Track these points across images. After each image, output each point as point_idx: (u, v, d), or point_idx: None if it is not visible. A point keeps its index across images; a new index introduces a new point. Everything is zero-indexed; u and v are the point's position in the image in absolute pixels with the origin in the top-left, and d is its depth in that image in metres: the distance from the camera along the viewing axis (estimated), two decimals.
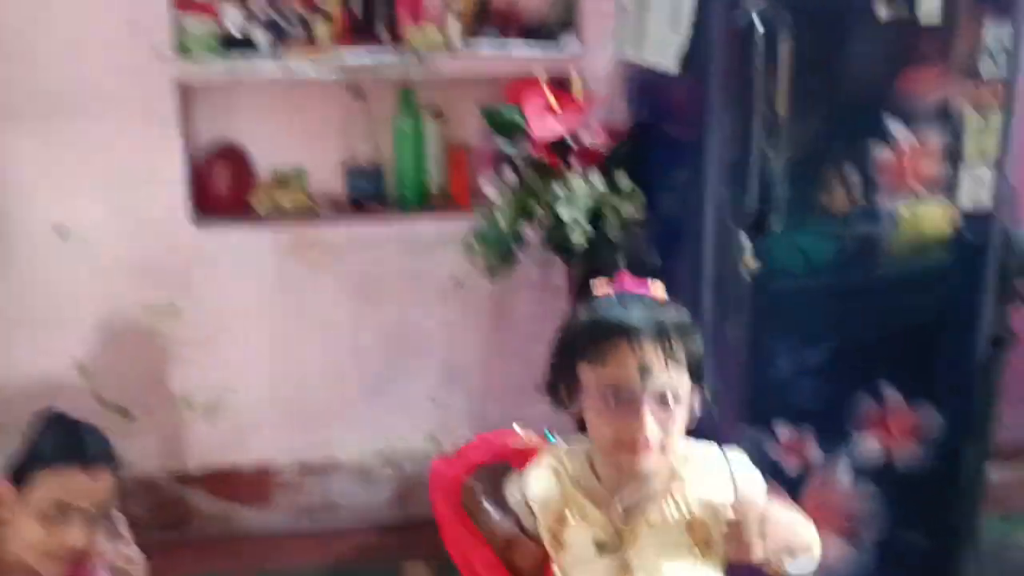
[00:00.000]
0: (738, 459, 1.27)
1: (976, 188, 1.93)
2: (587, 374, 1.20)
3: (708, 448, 1.27)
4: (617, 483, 1.22)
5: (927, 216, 1.93)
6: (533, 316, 2.72)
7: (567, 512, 1.24)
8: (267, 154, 2.72)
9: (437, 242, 2.64)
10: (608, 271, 2.37)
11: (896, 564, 2.06)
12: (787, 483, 1.97)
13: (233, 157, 2.71)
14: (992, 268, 1.99)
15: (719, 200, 1.85)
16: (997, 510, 2.79)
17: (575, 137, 2.21)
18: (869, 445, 1.98)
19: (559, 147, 2.23)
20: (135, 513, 2.76)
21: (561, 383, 1.25)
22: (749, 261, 1.85)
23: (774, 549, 1.19)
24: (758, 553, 1.19)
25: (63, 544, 1.68)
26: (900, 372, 1.97)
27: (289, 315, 2.68)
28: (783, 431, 1.95)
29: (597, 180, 2.19)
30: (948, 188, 1.90)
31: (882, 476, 2.00)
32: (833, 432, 1.97)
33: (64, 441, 1.71)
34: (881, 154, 1.87)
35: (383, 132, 2.69)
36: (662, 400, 1.16)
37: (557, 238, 2.19)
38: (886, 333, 1.96)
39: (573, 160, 2.23)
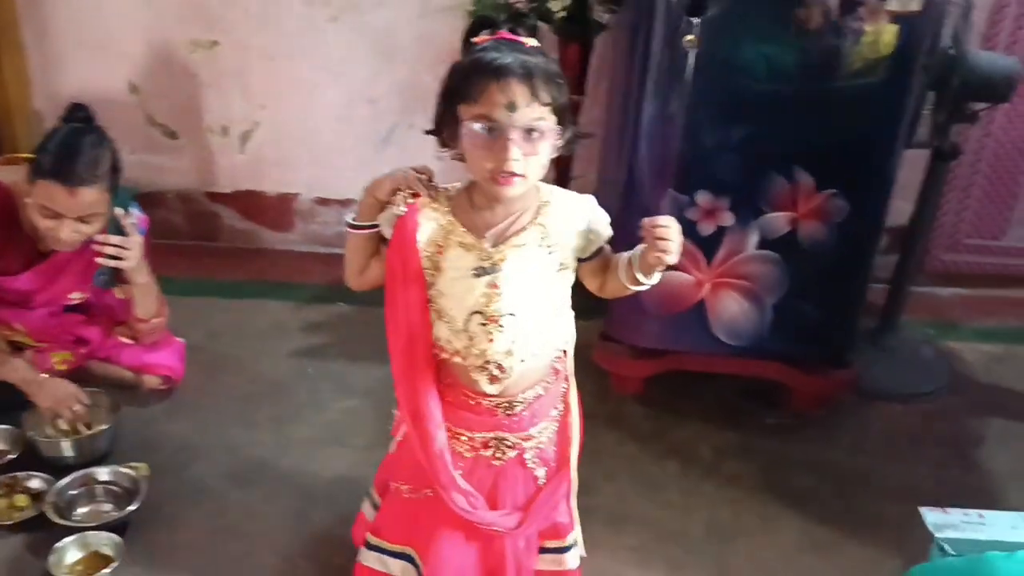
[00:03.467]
0: (590, 200, 1.50)
1: None
2: (464, 112, 1.34)
3: (571, 193, 1.51)
4: (491, 210, 1.42)
5: (886, 35, 2.09)
6: None
7: (448, 240, 1.43)
8: None
9: (455, 6, 2.87)
10: (587, 46, 2.65)
11: (788, 328, 2.36)
12: (701, 241, 2.29)
13: None
14: (917, 76, 2.17)
15: None
16: (931, 317, 3.08)
17: None
18: (778, 219, 2.26)
19: None
20: (175, 221, 3.27)
21: (444, 125, 1.40)
22: (689, 40, 2.08)
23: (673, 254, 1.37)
24: (674, 256, 1.36)
25: (54, 236, 2.10)
26: (816, 161, 2.20)
27: (310, 61, 3.00)
28: (703, 197, 2.24)
29: None
30: None
31: (786, 247, 2.27)
32: (748, 204, 2.24)
33: (57, 158, 2.05)
34: None
35: None
36: (527, 133, 1.32)
37: (540, 7, 2.43)
38: (812, 127, 2.18)
39: None
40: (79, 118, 2.14)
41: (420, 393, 1.49)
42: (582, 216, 1.48)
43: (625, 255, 1.47)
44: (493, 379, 1.47)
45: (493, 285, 1.42)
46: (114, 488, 2.09)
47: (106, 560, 1.90)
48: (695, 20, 2.07)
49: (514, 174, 1.33)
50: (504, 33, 1.38)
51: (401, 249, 1.45)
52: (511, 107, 1.30)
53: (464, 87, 1.34)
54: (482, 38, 1.38)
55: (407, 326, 1.48)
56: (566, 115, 1.38)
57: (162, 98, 3.08)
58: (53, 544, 1.91)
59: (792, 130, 2.18)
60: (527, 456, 1.56)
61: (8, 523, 1.99)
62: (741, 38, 2.11)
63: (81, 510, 2.06)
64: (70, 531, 1.94)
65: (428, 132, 1.43)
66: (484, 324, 1.44)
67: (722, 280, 2.33)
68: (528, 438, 1.55)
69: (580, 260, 1.50)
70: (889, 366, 2.75)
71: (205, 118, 3.11)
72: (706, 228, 2.27)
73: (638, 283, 1.46)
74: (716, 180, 2.23)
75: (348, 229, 1.52)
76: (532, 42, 1.38)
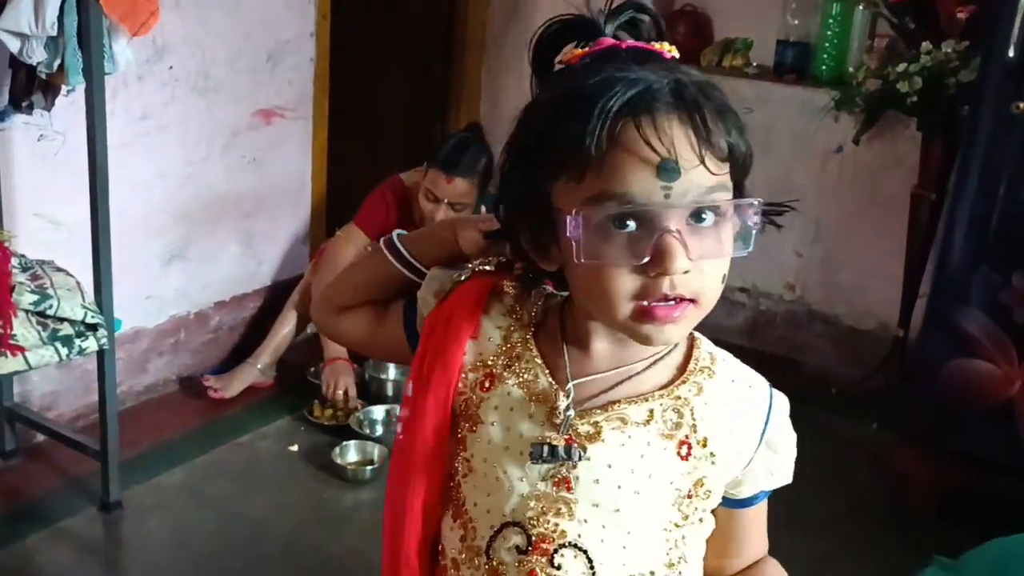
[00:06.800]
0: (782, 404, 0.84)
1: None
2: (565, 197, 0.72)
3: (750, 370, 0.84)
4: (590, 352, 0.79)
5: None
6: (899, 192, 2.95)
7: (507, 370, 0.79)
8: (726, 21, 3.34)
9: (827, 107, 2.99)
10: (947, 137, 2.57)
11: None
12: (1015, 330, 2.07)
13: (696, 20, 3.38)
14: None
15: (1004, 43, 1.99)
16: None
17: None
18: None
19: (922, 12, 2.48)
20: None
21: (520, 223, 0.77)
22: (1019, 107, 1.98)
23: None
24: None
25: (431, 218, 2.62)
26: None
27: None
28: (1021, 279, 2.04)
29: (947, 45, 2.40)
30: None
31: None
32: None
33: (448, 154, 2.62)
34: None
35: (815, 14, 3.12)
36: (696, 219, 0.70)
37: (891, 90, 2.46)
38: None
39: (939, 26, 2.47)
40: (473, 131, 2.72)
41: None
42: (761, 415, 0.82)
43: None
44: None
45: (563, 481, 0.77)
46: None
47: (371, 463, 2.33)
48: None
49: (681, 298, 0.71)
50: (608, 40, 0.74)
51: (444, 339, 0.81)
52: (671, 171, 0.68)
53: (563, 144, 0.70)
54: (573, 53, 0.76)
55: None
56: (745, 175, 0.76)
57: None
58: (342, 443, 2.37)
59: None
60: None
61: (324, 423, 2.50)
62: None
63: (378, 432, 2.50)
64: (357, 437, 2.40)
65: (488, 236, 0.84)
66: (524, 553, 0.77)
67: None
68: None
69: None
70: None
71: None
72: (1022, 315, 2.06)
73: None
74: None
75: (383, 247, 0.90)
76: (670, 50, 0.76)
